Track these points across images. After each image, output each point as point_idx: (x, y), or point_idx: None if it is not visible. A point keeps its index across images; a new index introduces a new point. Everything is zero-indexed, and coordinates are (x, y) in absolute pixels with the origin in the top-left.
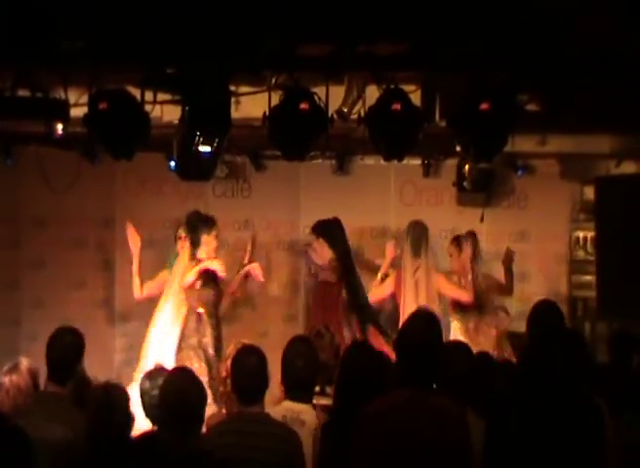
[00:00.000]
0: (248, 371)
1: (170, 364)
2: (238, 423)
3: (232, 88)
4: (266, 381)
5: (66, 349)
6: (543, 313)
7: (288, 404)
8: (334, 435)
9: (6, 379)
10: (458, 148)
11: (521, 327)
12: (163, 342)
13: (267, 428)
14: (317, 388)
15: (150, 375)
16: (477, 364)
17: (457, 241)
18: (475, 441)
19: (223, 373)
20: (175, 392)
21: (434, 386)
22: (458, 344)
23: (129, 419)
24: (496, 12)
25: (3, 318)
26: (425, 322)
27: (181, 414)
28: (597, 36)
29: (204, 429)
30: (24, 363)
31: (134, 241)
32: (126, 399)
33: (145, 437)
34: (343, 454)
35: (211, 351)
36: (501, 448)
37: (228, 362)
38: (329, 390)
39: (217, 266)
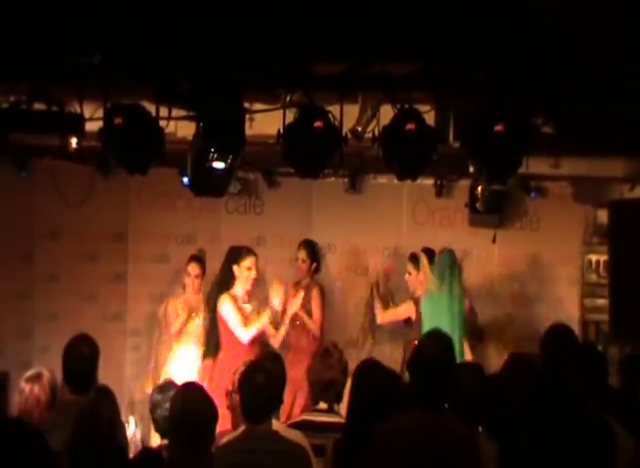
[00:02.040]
0: (254, 390)
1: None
2: (248, 442)
3: (247, 105)
4: (274, 400)
5: (85, 359)
6: (558, 337)
7: None
8: (346, 452)
9: (27, 387)
10: (471, 169)
11: (532, 348)
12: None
13: (278, 446)
14: (325, 406)
15: (161, 389)
16: (488, 384)
17: (413, 259)
18: (487, 463)
19: (229, 388)
20: (184, 406)
21: (446, 407)
22: (468, 365)
23: (114, 429)
24: (511, 35)
25: (16, 330)
26: (439, 343)
27: (191, 429)
28: (612, 58)
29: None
30: (46, 374)
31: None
32: (112, 409)
33: (149, 452)
34: None
35: None
36: None
37: (236, 377)
38: (337, 408)
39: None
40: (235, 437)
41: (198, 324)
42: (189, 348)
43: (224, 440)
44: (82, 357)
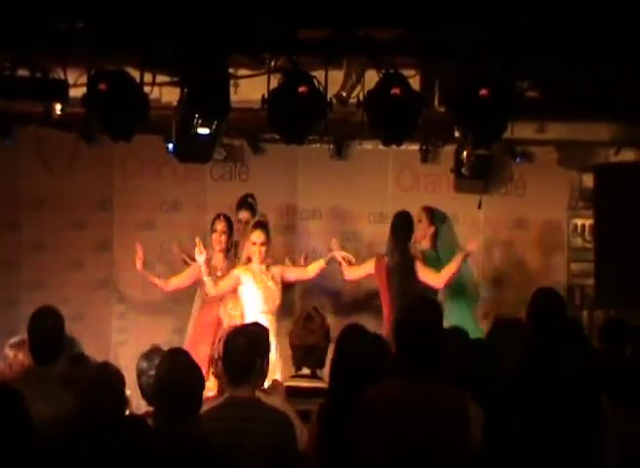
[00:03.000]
0: (234, 353)
1: None
2: (229, 409)
3: (231, 71)
4: (253, 363)
5: (49, 331)
6: (546, 302)
7: None
8: (331, 418)
9: (11, 353)
10: (456, 134)
11: (518, 313)
12: None
13: (260, 413)
14: (308, 371)
15: (147, 356)
16: (474, 349)
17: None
18: (474, 429)
19: (215, 355)
20: (170, 373)
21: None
22: (453, 329)
23: (121, 401)
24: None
25: (2, 299)
26: (426, 308)
27: (177, 396)
28: (597, 24)
29: None
30: None
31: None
32: (120, 380)
33: (136, 419)
34: (342, 438)
35: None
36: (502, 438)
37: (220, 344)
38: (319, 373)
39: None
40: (217, 404)
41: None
42: None
43: (206, 407)
44: (46, 328)
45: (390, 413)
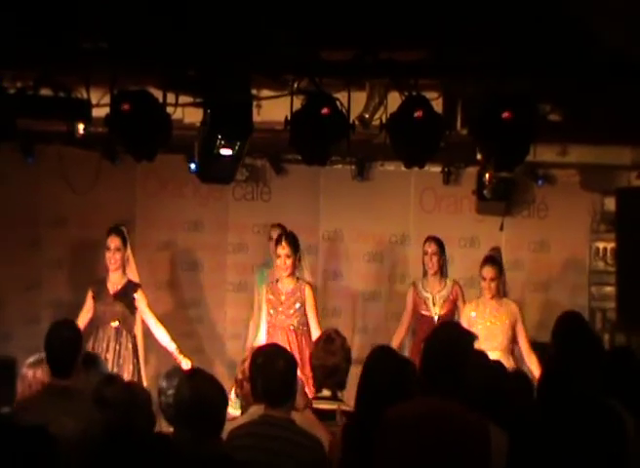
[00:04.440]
0: (275, 374)
1: None
2: (260, 426)
3: (254, 91)
4: (292, 386)
5: (66, 343)
6: (570, 325)
7: None
8: (356, 439)
9: (30, 373)
10: (478, 156)
11: (541, 336)
12: None
13: (290, 434)
14: (329, 393)
15: (168, 375)
16: (495, 373)
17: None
18: (497, 453)
19: (239, 376)
20: (191, 392)
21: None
22: (476, 353)
23: (150, 421)
24: (517, 20)
25: (24, 317)
26: (453, 332)
27: (197, 415)
28: (617, 47)
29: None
30: None
31: None
32: (148, 399)
33: (158, 438)
34: (366, 458)
35: None
36: (526, 462)
37: (246, 364)
38: (340, 395)
39: None
40: (251, 420)
41: None
42: None
43: (239, 422)
44: (64, 340)
45: (412, 433)
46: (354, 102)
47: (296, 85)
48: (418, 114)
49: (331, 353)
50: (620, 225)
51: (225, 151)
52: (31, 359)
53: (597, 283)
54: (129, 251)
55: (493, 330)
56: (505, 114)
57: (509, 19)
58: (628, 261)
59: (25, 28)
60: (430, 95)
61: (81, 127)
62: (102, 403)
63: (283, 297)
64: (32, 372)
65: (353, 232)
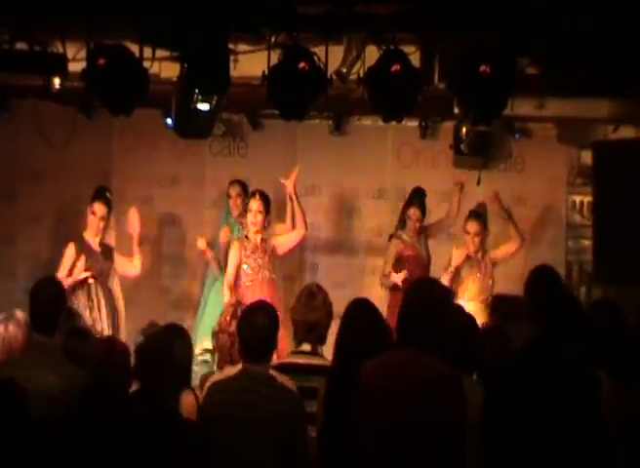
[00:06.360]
0: (257, 330)
1: None
2: (243, 381)
3: (231, 46)
4: (272, 342)
5: (50, 301)
6: (544, 280)
7: None
8: (336, 393)
9: (1, 328)
10: (456, 110)
11: (511, 290)
12: None
13: (272, 390)
14: (309, 347)
15: (144, 330)
16: (469, 326)
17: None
18: (470, 404)
19: (216, 328)
20: (154, 347)
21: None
22: (452, 307)
23: (128, 378)
24: None
25: None
26: (434, 286)
27: (159, 372)
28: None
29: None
30: (20, 314)
31: (133, 226)
32: (126, 357)
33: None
34: (347, 412)
35: None
36: (500, 416)
37: (222, 318)
38: (320, 350)
39: None
40: (230, 375)
41: None
42: None
43: (218, 377)
44: (50, 298)
45: (387, 384)
46: (332, 57)
47: (273, 39)
48: (395, 68)
49: (312, 309)
50: (596, 179)
51: (202, 106)
52: (1, 315)
53: (574, 236)
54: (112, 219)
55: (475, 283)
56: (483, 68)
57: None
58: (605, 215)
59: None
60: (408, 49)
61: (57, 81)
62: (75, 357)
63: (253, 251)
64: (3, 327)
65: (330, 187)
